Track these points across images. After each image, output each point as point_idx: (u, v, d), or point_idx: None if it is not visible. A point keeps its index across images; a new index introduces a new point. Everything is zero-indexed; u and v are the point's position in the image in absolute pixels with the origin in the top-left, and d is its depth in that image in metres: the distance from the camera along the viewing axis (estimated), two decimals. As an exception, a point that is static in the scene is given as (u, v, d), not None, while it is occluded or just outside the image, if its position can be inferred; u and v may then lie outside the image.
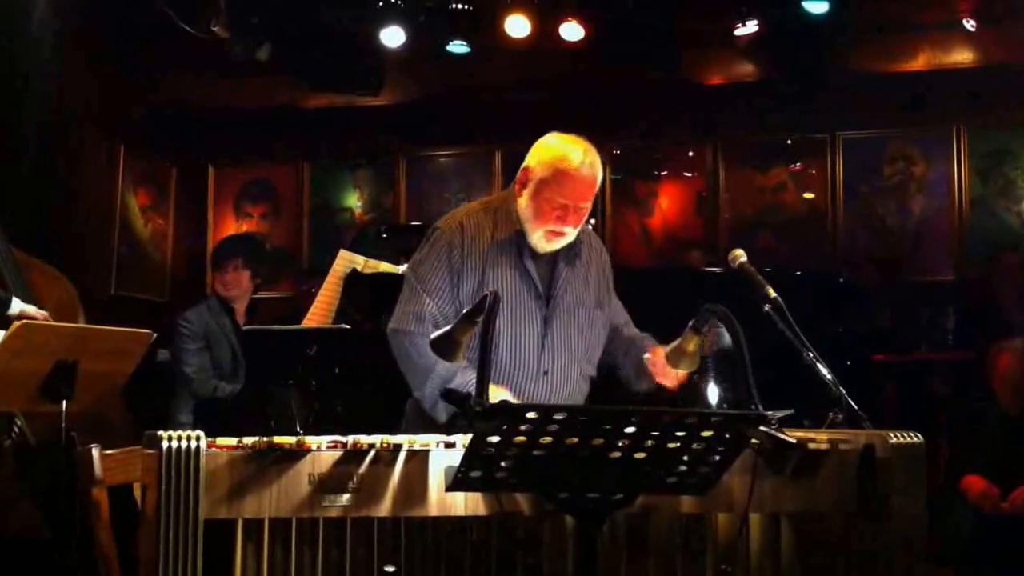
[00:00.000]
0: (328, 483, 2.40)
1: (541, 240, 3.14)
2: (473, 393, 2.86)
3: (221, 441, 2.38)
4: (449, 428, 3.01)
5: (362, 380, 4.75)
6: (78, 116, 7.20)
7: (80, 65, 7.08)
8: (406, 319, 3.15)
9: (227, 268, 5.54)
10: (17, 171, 6.28)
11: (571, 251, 3.22)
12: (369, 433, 2.49)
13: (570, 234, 3.15)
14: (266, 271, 5.93)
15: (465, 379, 3.01)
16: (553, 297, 3.18)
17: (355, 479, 2.41)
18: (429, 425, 3.03)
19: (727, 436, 2.21)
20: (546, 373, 3.15)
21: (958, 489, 4.66)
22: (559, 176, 3.09)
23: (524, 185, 3.16)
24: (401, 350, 3.15)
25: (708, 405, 4.81)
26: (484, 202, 3.34)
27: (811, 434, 2.71)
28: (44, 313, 4.09)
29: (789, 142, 8.01)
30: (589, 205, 3.16)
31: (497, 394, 2.92)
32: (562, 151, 3.13)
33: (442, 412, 3.09)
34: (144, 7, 6.89)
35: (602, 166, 3.18)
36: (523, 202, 3.15)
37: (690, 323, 3.00)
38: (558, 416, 2.11)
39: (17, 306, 4.02)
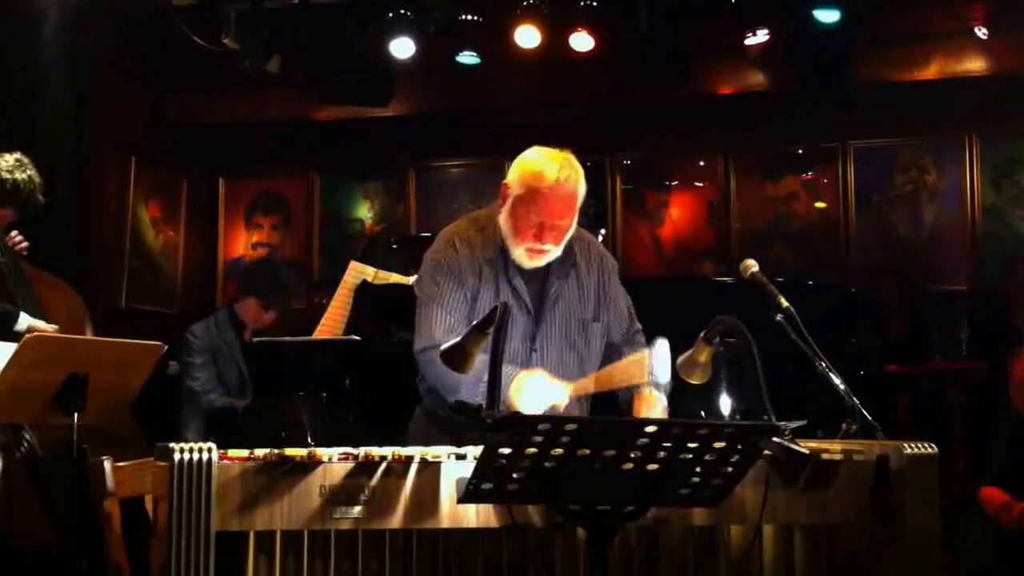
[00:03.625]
0: (339, 495, 2.40)
1: (523, 257, 3.11)
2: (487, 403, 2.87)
3: (233, 453, 2.38)
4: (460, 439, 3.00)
5: (373, 391, 4.75)
6: (90, 128, 7.22)
7: (92, 77, 7.10)
8: (425, 338, 3.11)
9: (279, 311, 5.54)
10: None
11: (564, 263, 3.17)
12: (380, 445, 2.48)
13: (552, 251, 3.11)
14: None
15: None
16: (542, 312, 3.14)
17: (366, 491, 2.41)
18: (434, 438, 3.00)
19: (740, 447, 2.20)
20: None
21: (974, 500, 4.62)
22: (532, 194, 3.06)
23: (504, 201, 3.14)
24: (429, 368, 3.10)
25: (721, 416, 4.79)
26: (472, 218, 3.30)
27: (825, 445, 2.69)
28: (53, 327, 4.10)
29: (800, 151, 8.00)
30: (569, 222, 3.11)
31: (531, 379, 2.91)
32: (537, 168, 3.08)
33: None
34: (156, 20, 6.92)
35: (582, 181, 3.12)
36: (503, 219, 3.14)
37: (702, 334, 2.99)
38: (570, 427, 2.11)
39: (25, 321, 4.03)
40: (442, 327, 3.09)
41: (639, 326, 3.34)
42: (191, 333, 5.38)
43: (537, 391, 2.92)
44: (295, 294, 7.16)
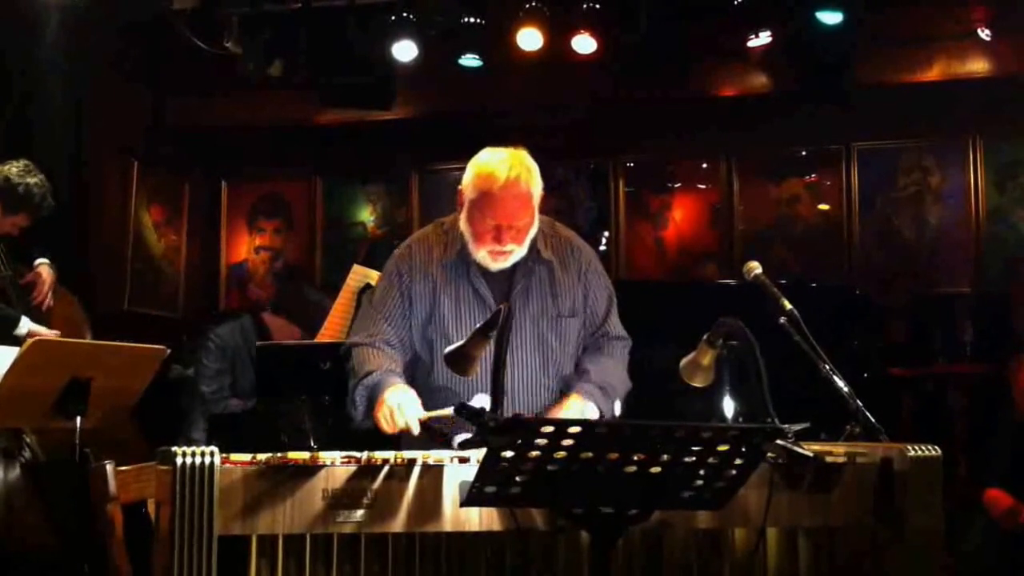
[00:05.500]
0: (342, 499, 2.39)
1: (487, 260, 3.10)
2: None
3: (235, 457, 2.38)
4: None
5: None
6: (92, 131, 7.22)
7: (94, 81, 7.10)
8: (355, 335, 3.19)
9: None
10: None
11: (529, 261, 3.15)
12: (383, 448, 2.48)
13: (516, 251, 3.09)
14: None
15: (382, 377, 2.99)
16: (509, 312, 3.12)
17: (369, 494, 2.40)
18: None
19: (743, 450, 2.19)
20: (505, 392, 3.03)
21: (977, 503, 4.61)
22: (485, 197, 3.04)
23: (461, 207, 3.13)
24: (349, 364, 3.14)
25: (724, 419, 4.79)
26: (439, 222, 3.30)
27: (828, 447, 2.69)
28: (54, 332, 4.10)
29: (803, 153, 8.00)
30: (527, 221, 3.08)
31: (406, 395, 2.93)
32: (487, 170, 3.06)
33: (359, 409, 3.06)
34: (156, 22, 6.92)
35: (536, 178, 3.08)
36: (462, 224, 3.13)
37: (705, 336, 2.99)
38: (573, 430, 2.10)
39: (26, 325, 4.04)
40: (367, 332, 3.14)
41: (615, 332, 3.29)
42: (216, 335, 5.31)
43: (394, 410, 2.90)
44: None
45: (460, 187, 3.14)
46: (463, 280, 3.14)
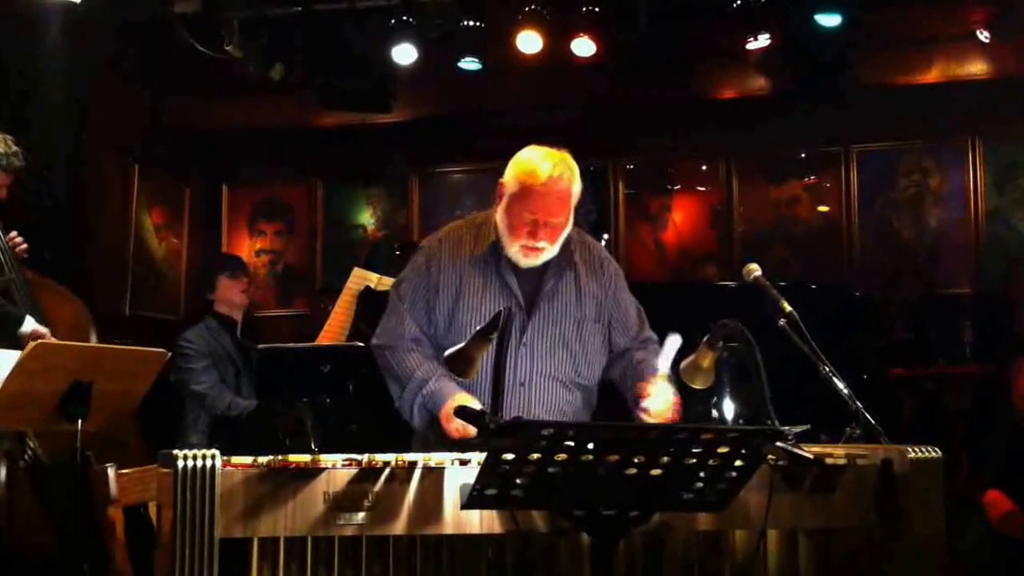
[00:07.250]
0: (343, 501, 2.40)
1: (518, 255, 3.14)
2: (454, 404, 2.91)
3: (236, 460, 2.39)
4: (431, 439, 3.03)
5: (376, 397, 4.75)
6: (93, 135, 7.22)
7: (94, 84, 7.10)
8: (387, 334, 3.22)
9: (246, 274, 5.58)
10: (32, 189, 6.29)
11: (561, 262, 3.19)
12: (384, 450, 2.48)
13: (548, 249, 3.13)
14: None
15: (439, 386, 3.05)
16: (534, 308, 3.15)
17: (370, 497, 2.41)
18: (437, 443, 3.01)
19: (744, 452, 2.19)
20: (523, 384, 3.12)
21: (974, 502, 4.60)
22: (526, 191, 3.09)
23: (500, 199, 3.17)
24: (383, 362, 3.20)
25: (724, 420, 4.79)
26: (471, 217, 3.34)
27: (828, 449, 2.69)
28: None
29: (803, 155, 8.00)
30: (563, 220, 3.13)
31: (468, 402, 2.94)
32: (531, 165, 3.11)
33: (417, 418, 3.12)
34: (158, 26, 6.92)
35: (577, 179, 3.13)
36: (499, 217, 3.17)
37: (705, 338, 2.99)
38: (574, 432, 2.10)
39: (30, 324, 4.03)
40: (398, 331, 3.18)
41: (652, 335, 3.33)
42: (185, 340, 5.35)
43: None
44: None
45: (501, 180, 3.17)
46: (492, 274, 3.17)
